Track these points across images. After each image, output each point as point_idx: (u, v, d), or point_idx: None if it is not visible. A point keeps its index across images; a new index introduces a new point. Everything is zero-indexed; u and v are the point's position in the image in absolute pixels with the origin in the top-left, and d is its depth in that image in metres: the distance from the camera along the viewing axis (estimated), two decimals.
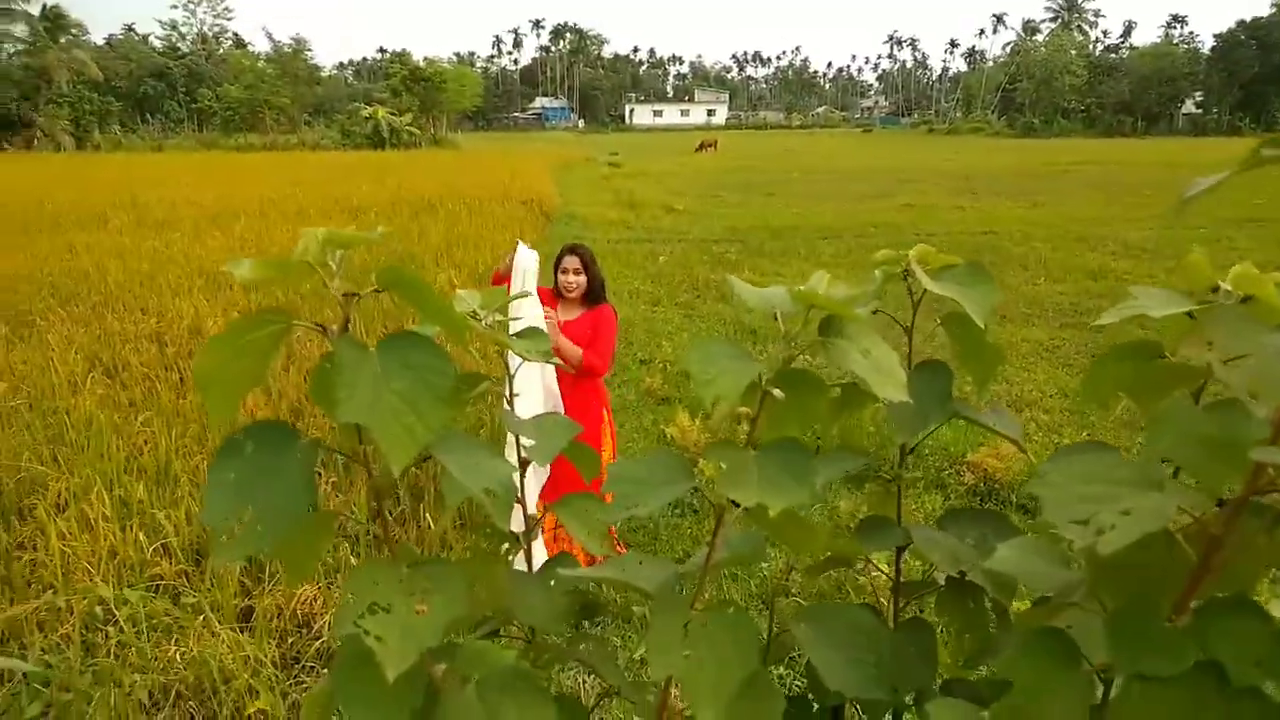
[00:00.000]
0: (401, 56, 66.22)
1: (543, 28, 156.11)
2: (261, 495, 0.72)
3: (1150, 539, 0.63)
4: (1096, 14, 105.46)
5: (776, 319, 0.82)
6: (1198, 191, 0.63)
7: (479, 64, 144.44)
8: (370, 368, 0.73)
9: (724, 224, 16.46)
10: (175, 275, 9.55)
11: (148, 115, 69.04)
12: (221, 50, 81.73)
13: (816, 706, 1.04)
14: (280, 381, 5.76)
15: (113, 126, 57.58)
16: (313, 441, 0.75)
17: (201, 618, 3.27)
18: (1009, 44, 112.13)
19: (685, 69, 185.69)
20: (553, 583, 0.96)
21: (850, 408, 1.05)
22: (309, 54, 72.86)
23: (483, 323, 1.03)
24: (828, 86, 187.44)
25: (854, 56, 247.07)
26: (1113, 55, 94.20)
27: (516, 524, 1.00)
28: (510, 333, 1.06)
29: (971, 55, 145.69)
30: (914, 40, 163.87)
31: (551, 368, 3.42)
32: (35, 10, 52.52)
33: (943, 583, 1.07)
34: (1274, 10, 71.33)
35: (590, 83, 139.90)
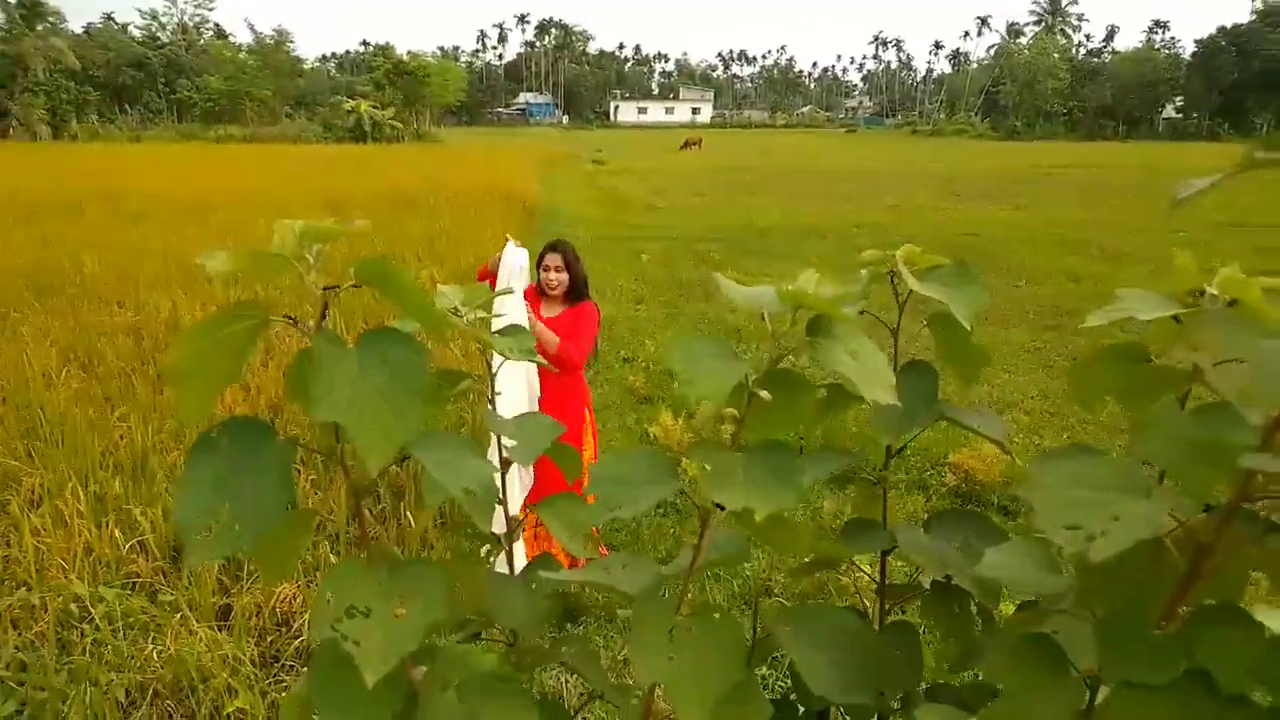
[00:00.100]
0: (385, 50, 65.96)
1: (528, 23, 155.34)
2: (238, 494, 0.70)
3: (1140, 545, 0.63)
4: (1080, 18, 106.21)
5: (763, 318, 0.81)
6: (1192, 193, 0.63)
7: (463, 58, 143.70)
8: (348, 364, 0.71)
9: (708, 223, 16.47)
10: (153, 268, 9.43)
11: (126, 106, 68.16)
12: (202, 41, 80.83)
13: (802, 710, 1.03)
14: (259, 377, 5.70)
15: (90, 116, 56.83)
16: (291, 439, 0.73)
17: (179, 616, 3.23)
18: (993, 46, 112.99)
19: (670, 66, 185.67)
20: (534, 586, 0.94)
21: (835, 409, 1.04)
22: (291, 46, 72.30)
23: (464, 320, 1.01)
24: (812, 86, 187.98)
25: (839, 57, 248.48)
26: (1095, 59, 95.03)
27: (498, 525, 0.98)
28: (493, 330, 1.05)
29: (956, 57, 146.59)
30: (899, 41, 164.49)
31: (534, 366, 3.39)
32: None
33: (928, 586, 1.06)
34: (1254, 17, 72.23)
35: (575, 79, 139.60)
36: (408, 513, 4.15)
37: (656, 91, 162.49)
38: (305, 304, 7.84)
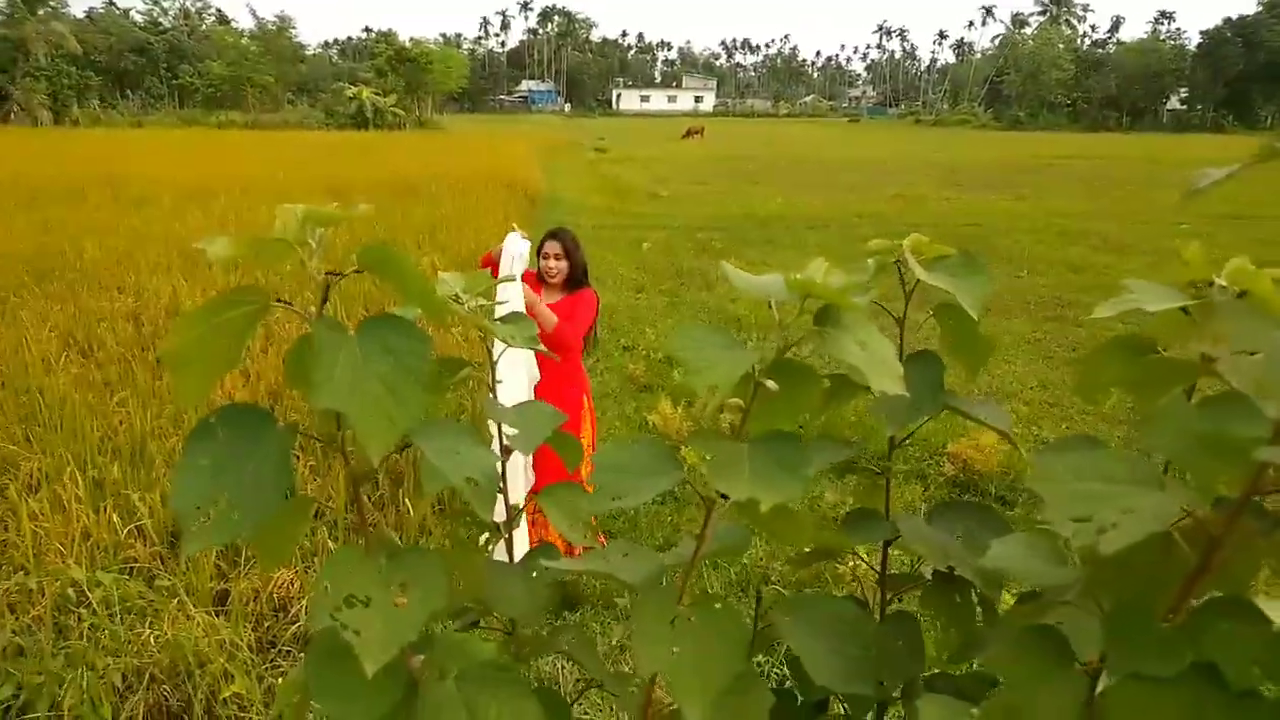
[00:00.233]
0: (387, 36, 65.51)
1: (531, 10, 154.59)
2: (237, 481, 0.69)
3: (1150, 538, 0.62)
4: (1085, 8, 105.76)
5: (771, 307, 0.80)
6: (1209, 183, 0.62)
7: (465, 45, 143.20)
8: (349, 351, 0.70)
9: (709, 212, 16.43)
10: (153, 253, 9.40)
11: (128, 91, 68.00)
12: (204, 26, 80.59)
13: (800, 700, 1.02)
14: (258, 364, 5.69)
15: (92, 102, 56.64)
16: (290, 426, 0.73)
17: (176, 601, 3.23)
18: (997, 37, 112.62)
19: (674, 55, 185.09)
20: (534, 574, 0.94)
21: (839, 399, 1.03)
22: (293, 32, 72.13)
23: (465, 307, 1.00)
24: (816, 75, 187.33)
25: (843, 46, 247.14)
26: (1100, 50, 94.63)
27: (498, 514, 0.98)
28: (494, 318, 1.04)
29: (960, 47, 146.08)
30: (903, 31, 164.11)
31: (534, 353, 3.39)
32: None
33: (929, 576, 1.06)
34: (1260, 9, 71.86)
35: (578, 67, 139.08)
36: (406, 500, 4.15)
37: (659, 80, 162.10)
38: (306, 291, 7.84)
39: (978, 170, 26.81)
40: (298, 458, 4.38)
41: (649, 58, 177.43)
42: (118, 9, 77.89)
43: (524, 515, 3.23)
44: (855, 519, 1.07)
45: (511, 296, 3.17)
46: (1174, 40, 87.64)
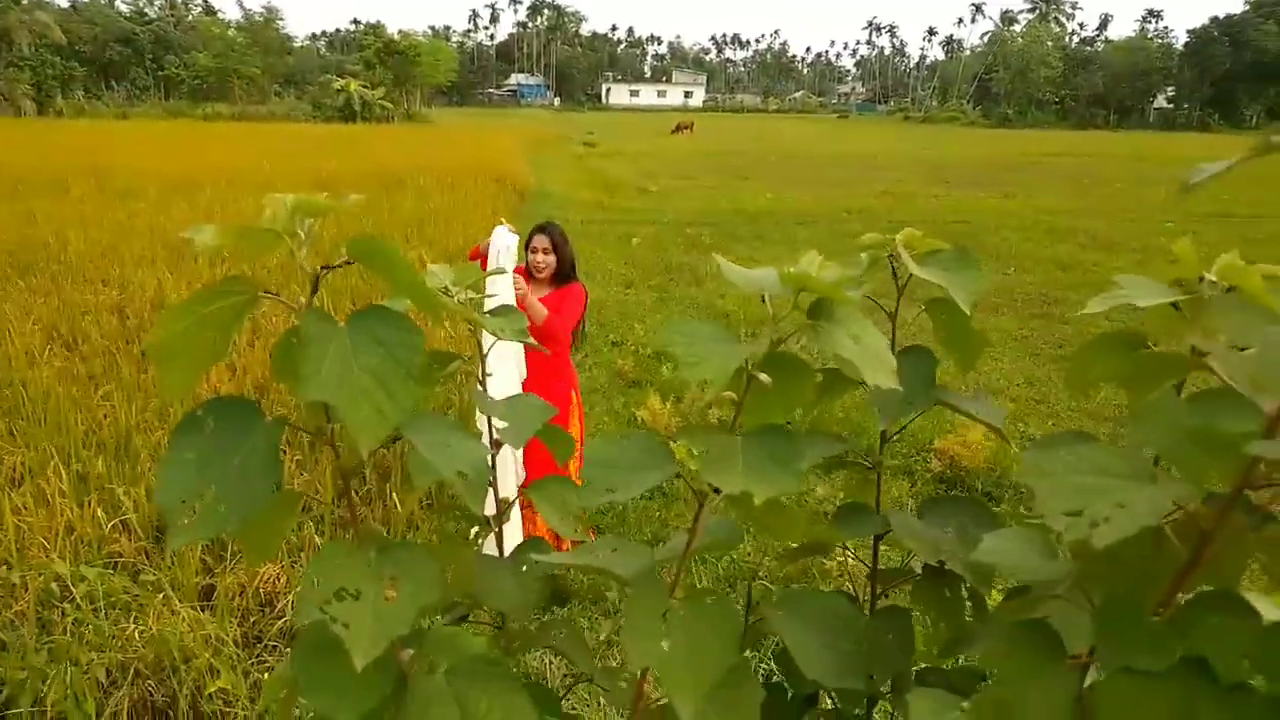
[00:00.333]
0: (375, 29, 65.21)
1: (520, 3, 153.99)
2: (224, 474, 0.68)
3: (1142, 532, 0.62)
4: (1073, 6, 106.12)
5: (764, 301, 0.80)
6: (1204, 178, 0.62)
7: (454, 38, 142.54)
8: (339, 343, 0.69)
9: (699, 207, 16.43)
10: (138, 246, 9.32)
11: (113, 82, 67.38)
12: (190, 17, 79.94)
13: (791, 694, 1.02)
14: (245, 358, 5.65)
15: (76, 92, 56.10)
16: (279, 419, 0.72)
17: (161, 595, 3.21)
18: (987, 34, 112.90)
19: (663, 49, 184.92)
20: (525, 568, 0.93)
21: (832, 393, 1.03)
22: (281, 23, 71.62)
23: (455, 299, 1.00)
24: (806, 71, 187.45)
25: (833, 42, 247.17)
26: (1088, 48, 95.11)
27: (488, 507, 0.97)
28: (483, 311, 1.03)
29: (949, 44, 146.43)
30: (893, 27, 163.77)
31: (523, 347, 3.38)
32: None
33: (919, 571, 1.06)
34: (1247, 8, 72.31)
35: (567, 60, 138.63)
36: (393, 494, 4.13)
37: (649, 74, 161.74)
38: (293, 284, 7.80)
39: (966, 167, 26.89)
40: (284, 453, 4.36)
41: (639, 52, 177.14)
42: None
43: (517, 509, 3.23)
44: (847, 513, 1.06)
45: (501, 289, 3.16)
46: (1161, 39, 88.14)
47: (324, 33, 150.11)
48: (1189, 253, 0.89)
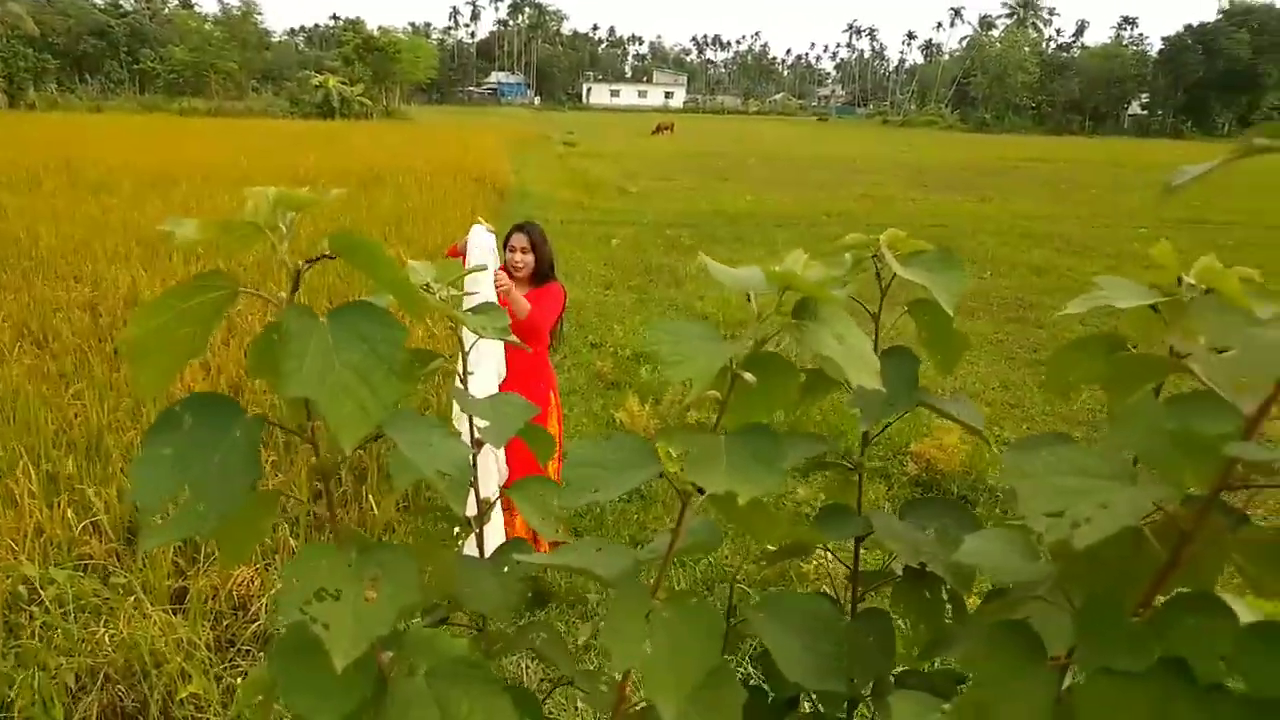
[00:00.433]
0: (355, 24, 64.64)
1: (501, 1, 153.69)
2: (202, 473, 0.67)
3: (1122, 533, 0.63)
4: (1051, 12, 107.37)
5: (749, 300, 0.80)
6: (1186, 180, 0.62)
7: (435, 35, 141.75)
8: (320, 338, 0.68)
9: (679, 208, 16.45)
10: (111, 242, 9.20)
11: (86, 75, 66.40)
12: (167, 10, 78.96)
13: (772, 697, 1.02)
14: (219, 356, 5.59)
15: (49, 85, 55.27)
16: (258, 416, 0.71)
17: (132, 598, 3.16)
18: (965, 38, 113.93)
19: (644, 50, 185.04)
20: (506, 569, 0.93)
21: (815, 393, 1.03)
22: (259, 18, 70.84)
23: (437, 296, 0.99)
24: (786, 73, 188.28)
25: (813, 45, 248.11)
26: (1064, 54, 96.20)
27: (469, 507, 0.96)
28: (464, 308, 1.02)
29: (928, 48, 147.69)
30: (873, 31, 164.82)
31: (503, 347, 3.36)
32: None
33: (899, 573, 1.06)
34: (1220, 16, 73.41)
35: (548, 59, 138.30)
36: (369, 495, 4.10)
37: (629, 74, 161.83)
38: (269, 281, 7.72)
39: (944, 171, 27.11)
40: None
41: (619, 52, 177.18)
42: None
43: (499, 509, 3.21)
44: (828, 515, 1.07)
45: (482, 287, 3.15)
46: (1136, 46, 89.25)
47: (302, 28, 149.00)
48: (1168, 256, 0.90)
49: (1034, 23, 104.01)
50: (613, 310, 8.72)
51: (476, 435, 0.98)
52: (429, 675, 0.72)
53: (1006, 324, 8.73)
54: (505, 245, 3.72)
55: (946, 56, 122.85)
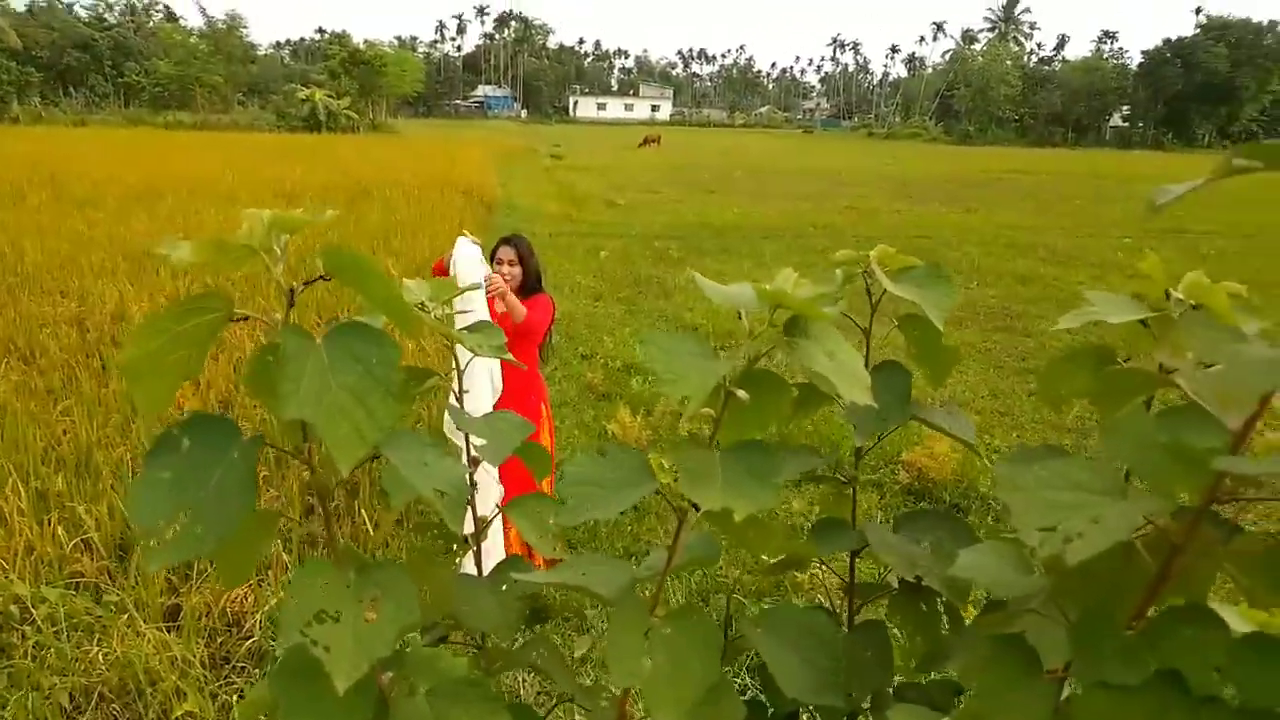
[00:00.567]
0: (341, 38, 64.70)
1: (487, 15, 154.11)
2: (200, 494, 0.67)
3: (1115, 547, 0.63)
4: (1032, 26, 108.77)
5: (741, 317, 0.80)
6: (1169, 199, 0.63)
7: (421, 49, 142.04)
8: (316, 360, 0.68)
9: (666, 220, 16.49)
10: (98, 256, 9.15)
11: (70, 88, 66.06)
12: (152, 23, 78.79)
13: (771, 711, 1.03)
14: (209, 371, 5.56)
15: (32, 99, 54.96)
16: (256, 438, 0.71)
17: (125, 616, 3.13)
18: (948, 52, 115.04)
19: (630, 63, 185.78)
20: (505, 587, 0.93)
21: (807, 408, 1.04)
22: (244, 31, 70.85)
23: (432, 314, 0.99)
24: (771, 86, 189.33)
25: (798, 58, 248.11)
26: (1046, 67, 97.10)
27: (467, 526, 0.96)
28: (457, 327, 1.02)
29: (912, 61, 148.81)
30: (857, 44, 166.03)
31: (498, 363, 3.36)
32: None
33: (895, 585, 1.07)
34: (1198, 30, 74.32)
35: (534, 73, 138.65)
36: (362, 510, 4.08)
37: (616, 88, 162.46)
38: (258, 295, 7.70)
39: (928, 183, 27.29)
40: None
41: (606, 65, 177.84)
42: (61, 3, 75.61)
43: (498, 526, 3.21)
44: (823, 528, 1.07)
45: (475, 305, 3.15)
46: (1117, 59, 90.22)
47: (288, 41, 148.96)
48: (1157, 269, 0.92)
49: (1015, 36, 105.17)
50: (603, 322, 8.72)
51: (473, 454, 0.98)
52: (430, 695, 0.72)
53: (994, 333, 8.78)
54: (492, 258, 3.73)
55: (930, 70, 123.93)
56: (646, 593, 0.94)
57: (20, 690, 2.75)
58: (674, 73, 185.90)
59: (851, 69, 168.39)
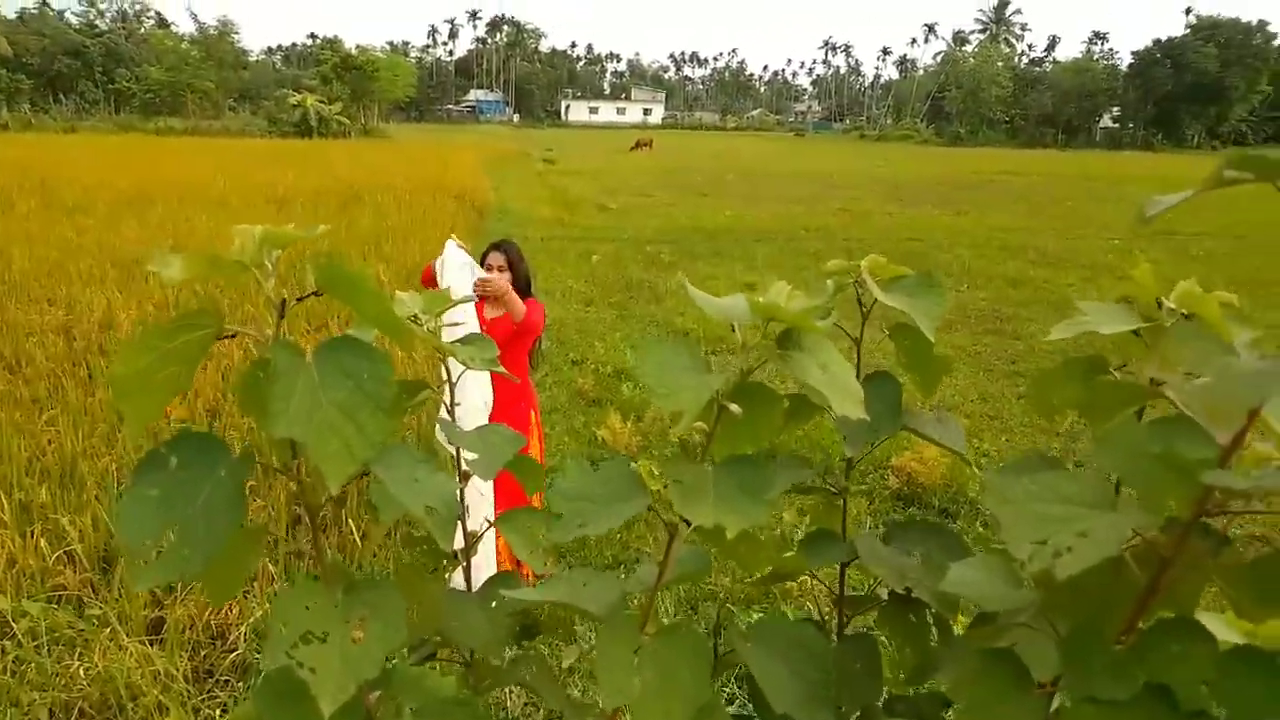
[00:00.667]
0: (333, 43, 64.57)
1: (479, 19, 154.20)
2: (187, 513, 0.66)
3: (1102, 561, 0.63)
4: (1023, 27, 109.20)
5: (734, 330, 0.80)
6: (1160, 209, 0.64)
7: (413, 54, 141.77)
8: (306, 376, 0.68)
9: (658, 224, 16.50)
10: (86, 264, 9.10)
11: (61, 95, 65.76)
12: (143, 30, 78.49)
13: None
14: (197, 381, 5.53)
15: (22, 105, 54.74)
16: (244, 455, 0.70)
17: (108, 630, 3.10)
18: (939, 54, 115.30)
19: (623, 67, 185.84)
20: (494, 604, 0.92)
21: (798, 420, 1.04)
22: (235, 37, 70.67)
23: (424, 328, 0.99)
24: (763, 89, 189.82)
25: (789, 61, 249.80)
26: (1037, 68, 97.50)
27: (457, 542, 0.96)
28: (447, 339, 1.02)
29: (903, 64, 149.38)
30: (848, 47, 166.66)
31: (488, 375, 3.36)
32: None
33: (885, 597, 1.07)
34: (1187, 31, 74.76)
35: (526, 77, 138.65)
36: (349, 520, 4.05)
37: (608, 91, 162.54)
38: (246, 304, 7.66)
39: (920, 185, 27.37)
40: None
41: (598, 69, 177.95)
42: (51, 10, 75.31)
43: (489, 541, 3.20)
44: (813, 541, 1.07)
45: (468, 318, 3.15)
46: (1107, 60, 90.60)
47: (280, 47, 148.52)
48: (1148, 278, 0.92)
49: (1006, 38, 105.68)
50: (594, 327, 8.71)
51: (464, 468, 0.98)
52: (417, 715, 0.72)
53: (984, 336, 8.80)
54: (482, 263, 3.73)
55: (921, 72, 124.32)
56: (636, 602, 0.94)
57: None
58: (666, 76, 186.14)
59: (843, 71, 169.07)
